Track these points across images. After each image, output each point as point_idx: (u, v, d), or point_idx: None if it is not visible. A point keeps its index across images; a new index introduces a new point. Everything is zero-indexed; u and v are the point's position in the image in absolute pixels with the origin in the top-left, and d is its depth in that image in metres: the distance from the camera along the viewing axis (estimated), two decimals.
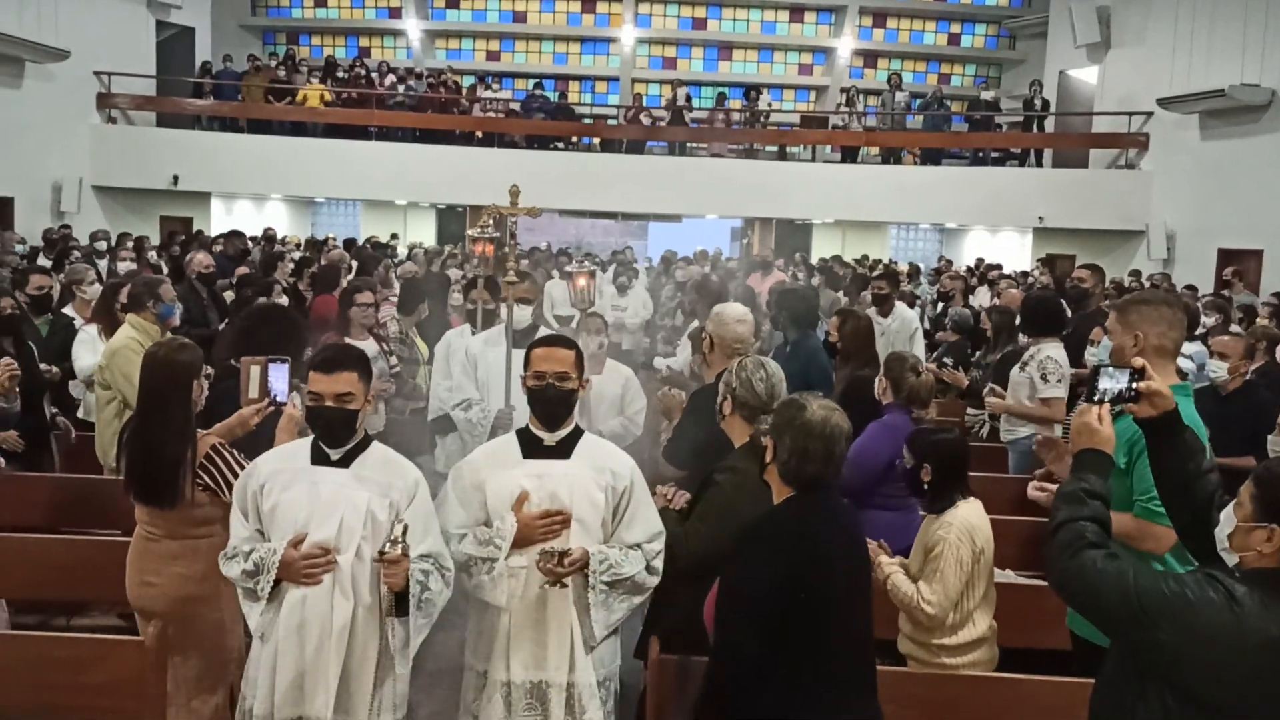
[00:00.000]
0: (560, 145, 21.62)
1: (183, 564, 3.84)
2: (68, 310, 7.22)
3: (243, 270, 11.08)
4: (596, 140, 22.22)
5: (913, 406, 4.91)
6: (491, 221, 5.32)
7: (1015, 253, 21.30)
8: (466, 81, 22.82)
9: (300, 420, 4.10)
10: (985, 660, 3.80)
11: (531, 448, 3.52)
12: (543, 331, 5.43)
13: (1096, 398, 2.74)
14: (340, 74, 22.02)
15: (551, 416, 3.51)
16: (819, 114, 23.25)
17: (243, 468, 3.85)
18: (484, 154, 20.55)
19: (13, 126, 17.22)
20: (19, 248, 11.99)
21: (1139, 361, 2.79)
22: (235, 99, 20.90)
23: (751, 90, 22.39)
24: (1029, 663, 3.85)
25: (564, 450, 3.51)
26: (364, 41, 25.26)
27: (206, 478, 3.81)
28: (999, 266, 17.52)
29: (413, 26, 24.59)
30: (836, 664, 2.81)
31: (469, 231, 4.79)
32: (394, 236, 21.13)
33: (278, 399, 4.00)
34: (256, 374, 4.11)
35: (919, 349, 8.37)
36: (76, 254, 11.33)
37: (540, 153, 20.82)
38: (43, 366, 6.15)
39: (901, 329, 8.43)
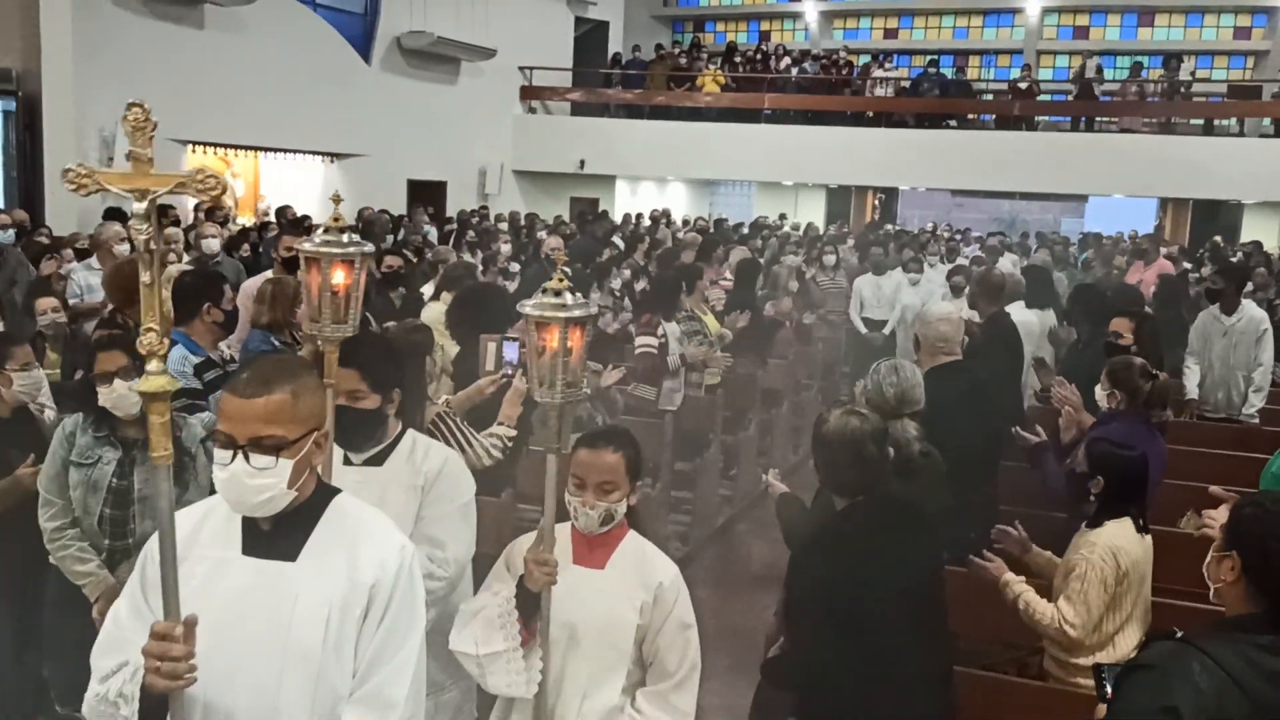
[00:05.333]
0: (953, 124, 21.02)
1: None
2: (428, 287, 8.32)
3: (610, 252, 12.05)
4: (993, 117, 21.33)
5: (1152, 411, 4.61)
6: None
7: None
8: (862, 60, 22.80)
9: (524, 392, 4.66)
10: None
11: None
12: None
13: None
14: (737, 59, 22.88)
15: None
16: (1252, 83, 20.72)
17: (464, 433, 4.46)
18: (873, 134, 20.52)
19: (448, 119, 19.63)
20: (426, 227, 13.82)
21: None
22: (642, 88, 22.37)
23: (1172, 59, 20.43)
24: None
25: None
26: (764, 26, 25.95)
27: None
28: None
29: (810, 8, 24.90)
30: (885, 664, 2.86)
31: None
32: (782, 216, 21.65)
33: (508, 372, 4.59)
34: (493, 349, 4.73)
35: (1266, 354, 7.54)
36: (471, 234, 12.94)
37: (930, 131, 20.42)
38: None
39: (1248, 329, 7.62)
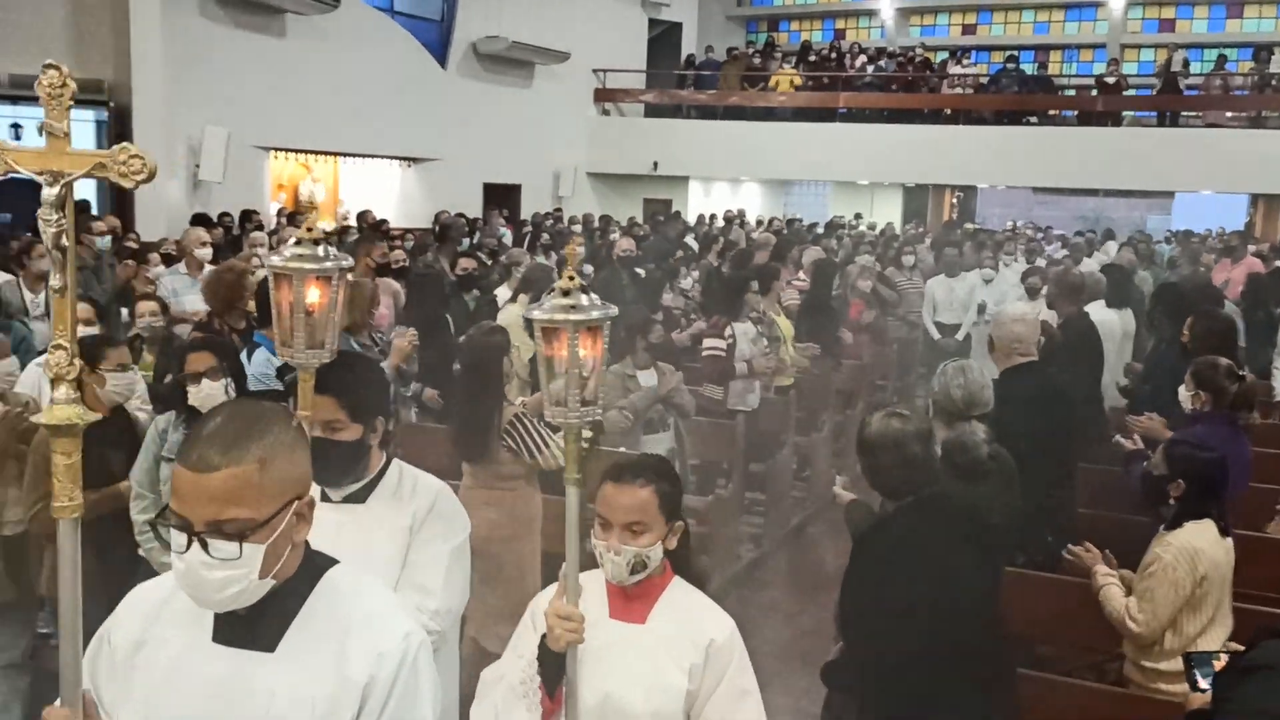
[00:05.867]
0: (1033, 120, 20.62)
1: (491, 510, 4.58)
2: (502, 289, 8.44)
3: (680, 254, 12.06)
4: (1075, 113, 20.88)
5: (1239, 414, 4.52)
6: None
7: None
8: (940, 57, 22.51)
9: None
10: None
11: None
12: None
13: None
14: (812, 58, 22.74)
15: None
16: None
17: (540, 434, 4.53)
18: (951, 131, 20.23)
19: (523, 122, 19.81)
20: (501, 230, 13.99)
21: None
22: (716, 88, 22.34)
23: (1263, 50, 19.83)
24: None
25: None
26: (839, 24, 25.78)
27: (510, 440, 4.53)
28: None
29: (886, 5, 24.67)
30: (938, 666, 2.85)
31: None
32: (858, 216, 21.47)
33: None
34: None
35: None
36: (546, 236, 13.07)
37: (1010, 128, 20.08)
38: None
39: None
